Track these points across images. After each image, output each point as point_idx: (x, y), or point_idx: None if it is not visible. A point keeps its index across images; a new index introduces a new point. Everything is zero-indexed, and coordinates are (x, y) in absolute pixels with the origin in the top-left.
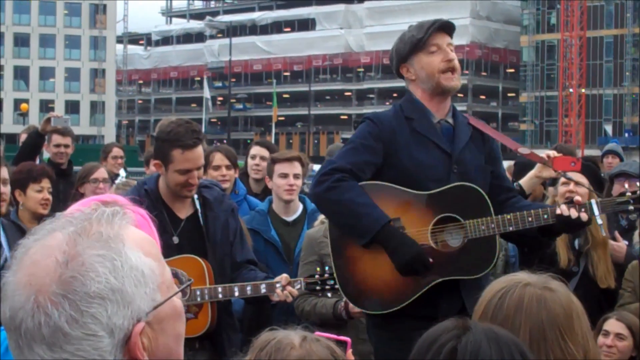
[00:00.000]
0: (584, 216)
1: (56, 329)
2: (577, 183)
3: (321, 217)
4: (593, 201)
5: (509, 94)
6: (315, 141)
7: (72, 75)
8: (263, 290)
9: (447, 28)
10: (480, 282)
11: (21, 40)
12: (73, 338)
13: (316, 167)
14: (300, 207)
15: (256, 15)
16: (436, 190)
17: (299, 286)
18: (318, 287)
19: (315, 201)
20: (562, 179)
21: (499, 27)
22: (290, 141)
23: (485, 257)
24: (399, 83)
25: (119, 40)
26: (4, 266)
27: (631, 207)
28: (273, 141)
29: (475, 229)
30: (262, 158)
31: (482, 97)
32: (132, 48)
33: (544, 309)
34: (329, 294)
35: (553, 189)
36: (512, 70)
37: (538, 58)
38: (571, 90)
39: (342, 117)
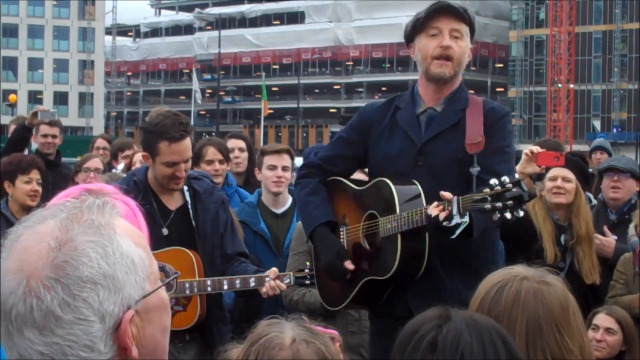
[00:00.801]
0: (442, 215)
1: (48, 312)
2: (564, 178)
3: None
4: (455, 199)
5: (498, 89)
6: (304, 134)
7: (61, 66)
8: (252, 284)
9: (452, 11)
10: (424, 286)
11: (9, 31)
12: (65, 322)
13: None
14: (290, 199)
15: (245, 8)
16: (364, 186)
17: (288, 280)
18: (307, 282)
19: None
20: (549, 175)
21: (488, 22)
22: (279, 134)
23: (390, 257)
24: (388, 77)
25: (108, 31)
26: None
27: (487, 206)
28: (262, 134)
29: (384, 227)
30: (240, 149)
31: (471, 91)
32: (120, 40)
33: (541, 303)
34: None
35: (541, 184)
36: (501, 65)
37: (527, 53)
38: (560, 85)
39: (331, 110)
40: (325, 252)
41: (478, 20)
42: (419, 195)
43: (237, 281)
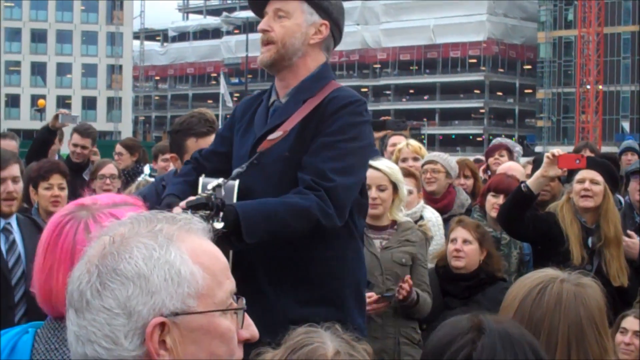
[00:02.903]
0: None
1: (82, 294)
2: (592, 181)
3: None
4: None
5: (526, 91)
6: None
7: (89, 71)
8: None
9: None
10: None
11: (38, 36)
12: (92, 307)
13: None
14: None
15: None
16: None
17: None
18: None
19: None
20: (577, 177)
21: (516, 24)
22: None
23: None
24: (415, 79)
25: (136, 36)
26: (17, 261)
27: (219, 225)
28: None
29: None
30: None
31: (499, 93)
32: (148, 44)
33: (582, 305)
34: None
35: (569, 186)
36: (529, 67)
37: (555, 54)
38: (588, 86)
39: None
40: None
41: (506, 22)
42: (232, 191)
43: None
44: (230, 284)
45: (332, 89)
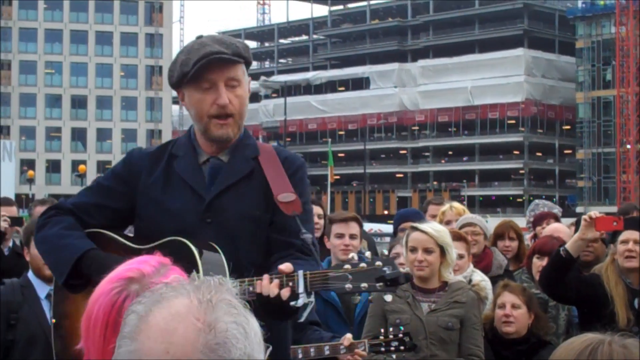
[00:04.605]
0: (284, 293)
1: None
2: (636, 242)
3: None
4: (300, 273)
5: (566, 151)
6: (371, 200)
7: (129, 136)
8: (327, 352)
9: (225, 61)
10: None
11: (79, 103)
12: None
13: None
14: None
15: (310, 75)
16: (151, 244)
17: (362, 347)
18: (382, 349)
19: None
20: (621, 238)
21: (554, 84)
22: (346, 200)
23: None
24: (454, 141)
25: (175, 101)
26: None
27: (348, 286)
28: (329, 200)
29: None
30: (319, 216)
31: (539, 154)
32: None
33: None
34: (394, 356)
35: (613, 247)
36: (568, 127)
37: (594, 114)
38: (628, 146)
39: (398, 175)
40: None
41: (544, 82)
42: (222, 265)
43: (312, 349)
44: None
45: (267, 146)
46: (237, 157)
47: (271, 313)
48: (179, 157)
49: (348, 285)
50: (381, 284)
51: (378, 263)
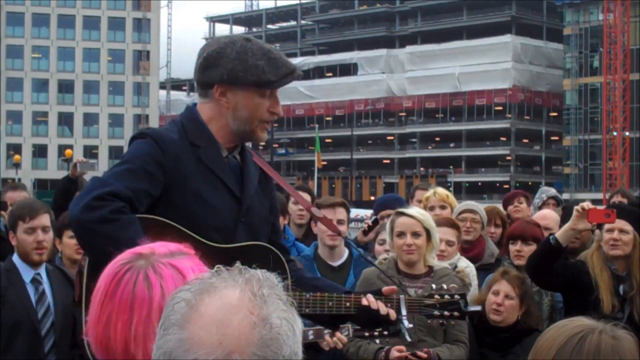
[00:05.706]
0: (392, 314)
1: None
2: (621, 231)
3: (384, 255)
4: (402, 297)
5: (552, 138)
6: (358, 185)
7: (116, 121)
8: (310, 337)
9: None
10: None
11: (65, 87)
12: None
13: (357, 211)
14: (346, 252)
15: (298, 61)
16: (232, 245)
17: (346, 332)
18: (366, 333)
19: (79, 228)
20: (607, 226)
21: (541, 71)
22: (333, 186)
23: None
24: (441, 127)
25: (162, 86)
26: (47, 312)
27: (436, 312)
28: (315, 186)
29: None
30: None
31: (525, 140)
32: (175, 94)
33: (619, 359)
34: (377, 341)
35: (599, 233)
36: (555, 114)
37: (581, 101)
38: (615, 133)
39: (385, 161)
40: None
41: (532, 69)
42: (286, 270)
43: None
44: None
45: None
46: (248, 159)
47: (373, 324)
48: (201, 148)
49: (436, 312)
50: (456, 313)
51: (457, 297)
